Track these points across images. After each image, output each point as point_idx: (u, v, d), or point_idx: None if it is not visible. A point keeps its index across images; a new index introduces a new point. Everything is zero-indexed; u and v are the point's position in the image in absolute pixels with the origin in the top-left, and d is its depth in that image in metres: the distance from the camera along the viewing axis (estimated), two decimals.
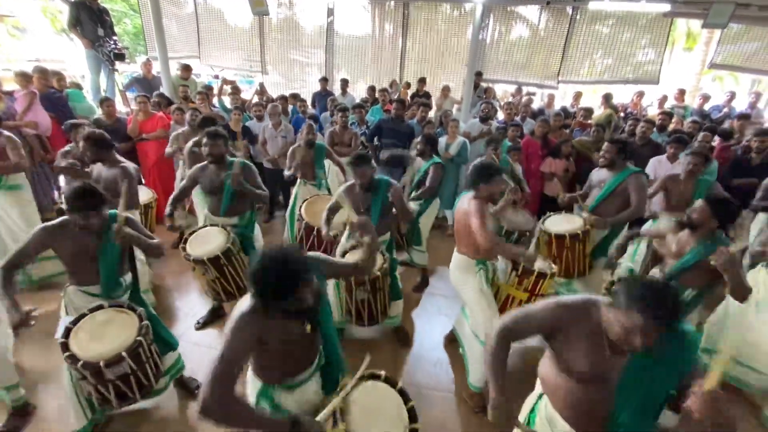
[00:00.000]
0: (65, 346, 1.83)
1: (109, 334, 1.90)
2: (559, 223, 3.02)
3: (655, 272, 2.57)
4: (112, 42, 5.06)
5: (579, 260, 2.95)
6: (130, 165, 3.06)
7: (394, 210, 2.94)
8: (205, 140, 2.88)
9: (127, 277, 2.30)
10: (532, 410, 1.60)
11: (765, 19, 6.44)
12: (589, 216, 2.96)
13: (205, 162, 2.96)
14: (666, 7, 6.17)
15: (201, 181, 2.98)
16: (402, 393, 1.61)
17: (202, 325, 3.15)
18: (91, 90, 5.33)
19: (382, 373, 1.68)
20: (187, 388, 2.51)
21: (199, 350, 2.87)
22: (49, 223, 2.09)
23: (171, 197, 3.01)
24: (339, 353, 1.70)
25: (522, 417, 1.62)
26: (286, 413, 1.49)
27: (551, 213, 3.21)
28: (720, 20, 5.87)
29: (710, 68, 7.11)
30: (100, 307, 2.03)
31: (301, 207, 3.58)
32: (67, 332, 1.88)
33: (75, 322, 1.93)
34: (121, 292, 2.25)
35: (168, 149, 4.20)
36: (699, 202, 2.29)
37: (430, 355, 2.97)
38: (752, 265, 2.99)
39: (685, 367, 1.30)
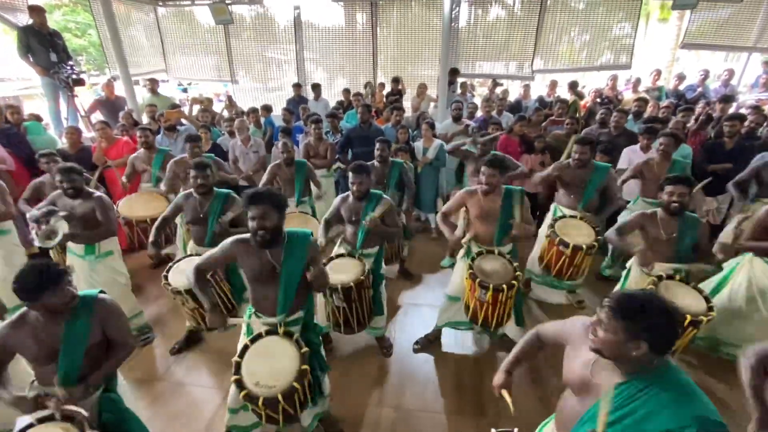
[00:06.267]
0: None
1: None
2: (571, 232, 2.94)
3: None
4: (68, 67, 4.82)
5: (578, 267, 2.93)
6: (103, 195, 2.99)
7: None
8: (193, 171, 2.88)
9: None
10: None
11: None
12: (588, 216, 3.14)
13: (190, 191, 2.95)
14: None
15: (185, 211, 2.97)
16: None
17: (178, 350, 3.13)
18: (50, 119, 5.10)
19: None
20: None
21: (185, 389, 2.82)
22: (5, 323, 1.75)
23: (154, 226, 2.99)
24: None
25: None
26: None
27: (560, 216, 3.20)
28: (689, 0, 5.85)
29: (682, 48, 7.09)
30: (51, 417, 1.65)
31: None
32: None
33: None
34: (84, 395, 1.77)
35: (123, 179, 4.10)
36: (676, 187, 2.39)
37: (419, 372, 2.93)
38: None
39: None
